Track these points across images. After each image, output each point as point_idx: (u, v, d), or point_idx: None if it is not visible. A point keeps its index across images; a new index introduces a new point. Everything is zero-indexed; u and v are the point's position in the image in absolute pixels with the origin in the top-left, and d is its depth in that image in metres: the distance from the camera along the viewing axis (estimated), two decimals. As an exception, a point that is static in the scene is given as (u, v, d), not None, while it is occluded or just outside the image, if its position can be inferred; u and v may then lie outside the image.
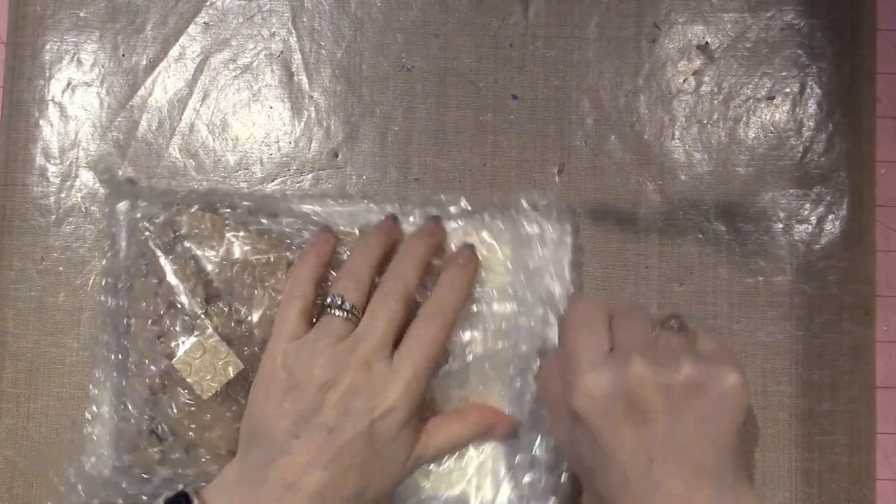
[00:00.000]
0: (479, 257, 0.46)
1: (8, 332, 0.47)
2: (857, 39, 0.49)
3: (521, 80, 0.49)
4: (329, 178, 0.48)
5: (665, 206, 0.48)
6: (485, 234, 0.46)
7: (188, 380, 0.44)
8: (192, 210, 0.45)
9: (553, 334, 0.45)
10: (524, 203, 0.47)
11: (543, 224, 0.46)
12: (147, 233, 0.45)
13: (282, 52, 0.49)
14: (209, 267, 0.45)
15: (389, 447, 0.40)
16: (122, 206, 0.46)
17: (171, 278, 0.45)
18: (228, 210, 0.46)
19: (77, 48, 0.49)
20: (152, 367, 0.45)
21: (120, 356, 0.45)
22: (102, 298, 0.46)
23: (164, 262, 0.45)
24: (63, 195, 0.48)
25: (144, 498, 0.44)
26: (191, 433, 0.45)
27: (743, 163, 0.48)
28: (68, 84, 0.49)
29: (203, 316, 0.44)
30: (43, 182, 0.48)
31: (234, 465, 0.41)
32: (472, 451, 0.45)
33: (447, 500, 0.45)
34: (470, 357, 0.45)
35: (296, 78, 0.49)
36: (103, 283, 0.46)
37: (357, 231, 0.46)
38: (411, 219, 0.47)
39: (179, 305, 0.44)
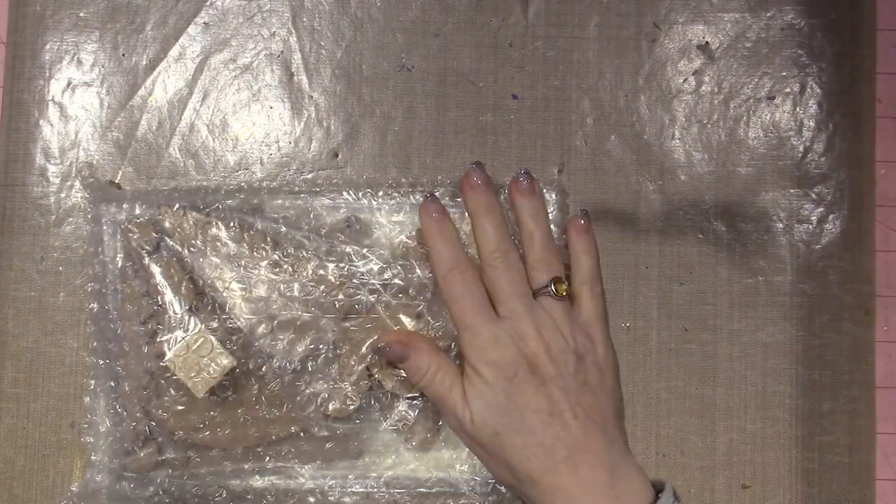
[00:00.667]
0: (467, 237, 0.46)
1: (8, 332, 0.47)
2: (857, 39, 0.49)
3: (521, 80, 0.49)
4: (329, 178, 0.48)
5: (665, 206, 0.48)
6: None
7: (180, 379, 0.44)
8: (175, 209, 0.45)
9: None
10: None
11: None
12: (131, 234, 0.45)
13: (282, 52, 0.49)
14: (194, 265, 0.45)
15: None
16: (106, 209, 0.46)
17: (157, 278, 0.44)
18: (211, 208, 0.46)
19: (77, 48, 0.49)
20: (143, 369, 0.44)
21: (110, 361, 0.45)
22: (90, 304, 0.45)
23: (149, 263, 0.45)
24: (63, 195, 0.48)
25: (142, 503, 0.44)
26: (182, 433, 0.44)
27: (743, 163, 0.48)
28: (68, 84, 0.48)
29: (190, 314, 0.44)
30: (43, 182, 0.48)
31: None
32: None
33: (438, 479, 0.45)
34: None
35: (296, 78, 0.49)
36: (89, 288, 0.45)
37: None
38: (399, 216, 0.46)
39: (166, 305, 0.44)
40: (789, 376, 0.47)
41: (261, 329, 0.45)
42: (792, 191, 0.48)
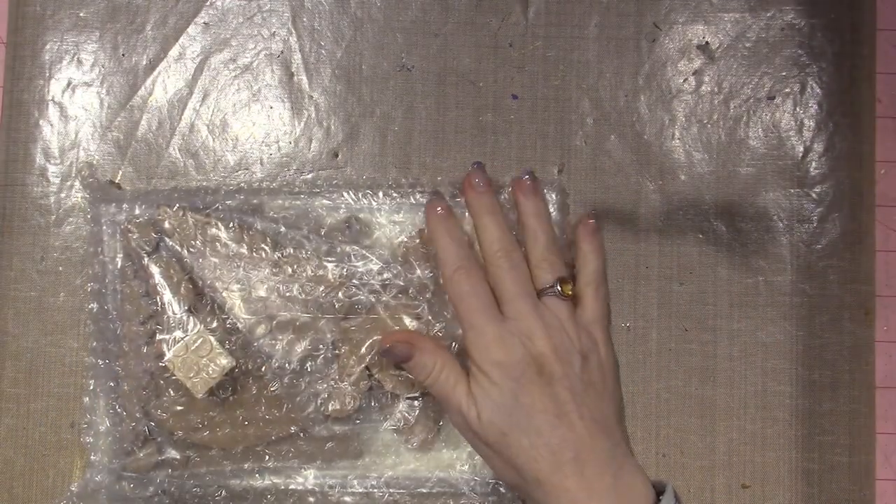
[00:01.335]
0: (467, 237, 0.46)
1: (8, 332, 0.47)
2: (857, 39, 0.48)
3: (521, 80, 0.48)
4: (329, 178, 0.48)
5: (665, 206, 0.48)
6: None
7: (180, 379, 0.43)
8: (175, 209, 0.45)
9: None
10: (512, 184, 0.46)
11: None
12: (130, 234, 0.45)
13: (282, 52, 0.48)
14: (193, 265, 0.45)
15: None
16: (106, 209, 0.45)
17: (156, 279, 0.44)
18: (210, 208, 0.45)
19: (77, 48, 0.48)
20: (142, 370, 0.44)
21: (109, 361, 0.45)
22: (90, 304, 0.45)
23: (149, 263, 0.44)
24: (63, 195, 0.48)
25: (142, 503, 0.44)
26: (181, 433, 0.44)
27: (743, 163, 0.48)
28: (68, 84, 0.48)
29: (189, 314, 0.44)
30: (43, 182, 0.48)
31: None
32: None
33: (438, 480, 0.45)
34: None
35: (296, 78, 0.48)
36: (89, 288, 0.45)
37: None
38: (399, 216, 0.46)
39: (166, 305, 0.44)
40: (789, 376, 0.47)
41: (260, 329, 0.44)
42: (792, 191, 0.48)
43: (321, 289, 0.45)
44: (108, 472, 0.44)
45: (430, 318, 0.45)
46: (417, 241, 0.46)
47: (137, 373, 0.44)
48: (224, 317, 0.44)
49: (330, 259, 0.45)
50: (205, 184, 0.47)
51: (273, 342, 0.44)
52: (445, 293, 0.43)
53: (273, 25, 0.48)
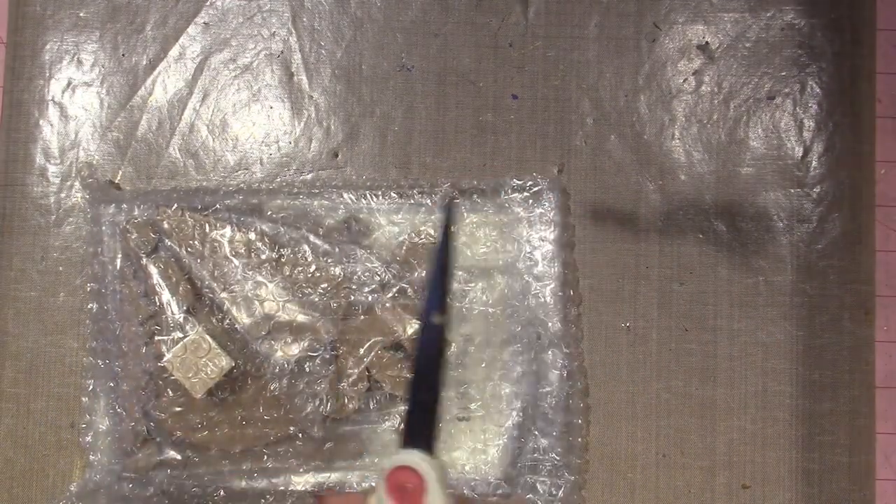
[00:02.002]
0: (466, 237, 0.45)
1: (8, 332, 0.47)
2: (857, 39, 0.48)
3: (521, 80, 0.48)
4: (329, 177, 0.47)
5: (665, 206, 0.47)
6: (473, 217, 0.46)
7: (179, 379, 0.43)
8: (174, 210, 0.45)
9: (543, 313, 0.45)
10: (513, 184, 0.46)
11: (530, 205, 0.46)
12: (129, 235, 0.44)
13: (282, 52, 0.48)
14: (192, 266, 0.44)
15: None
16: (106, 209, 0.45)
17: (155, 279, 0.44)
18: (210, 209, 0.45)
19: (77, 48, 0.48)
20: (141, 370, 0.44)
21: (108, 361, 0.44)
22: (90, 304, 0.45)
23: (147, 264, 0.44)
24: (63, 195, 0.47)
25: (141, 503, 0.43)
26: (180, 433, 0.44)
27: (743, 162, 0.48)
28: (68, 84, 0.48)
29: (188, 315, 0.44)
30: (43, 182, 0.47)
31: None
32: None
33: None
34: (472, 349, 0.45)
35: (296, 78, 0.48)
36: (89, 288, 0.45)
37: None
38: (399, 216, 0.46)
39: (164, 306, 0.44)
40: (789, 376, 0.47)
41: (259, 330, 0.44)
42: (792, 190, 0.47)
43: (320, 289, 0.44)
44: (107, 472, 0.44)
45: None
46: (416, 240, 0.45)
47: (136, 373, 0.44)
48: (223, 317, 0.44)
49: (329, 259, 0.45)
50: (204, 184, 0.47)
51: (272, 343, 0.44)
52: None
53: (273, 25, 0.48)
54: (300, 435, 0.45)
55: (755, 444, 0.46)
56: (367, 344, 0.44)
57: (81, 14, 0.48)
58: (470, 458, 0.45)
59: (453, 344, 0.44)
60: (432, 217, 0.46)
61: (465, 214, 0.45)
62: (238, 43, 0.48)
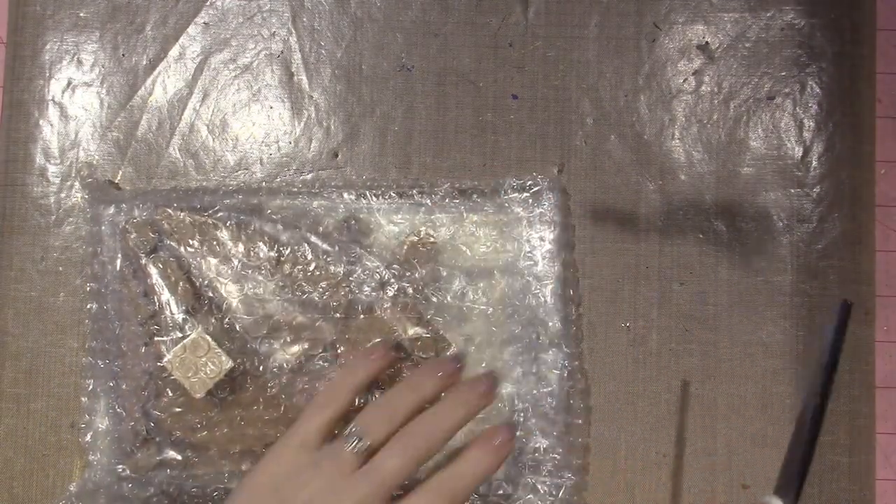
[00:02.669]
0: (466, 237, 0.45)
1: (8, 332, 0.46)
2: (857, 39, 0.48)
3: (521, 80, 0.48)
4: (329, 178, 0.47)
5: (665, 206, 0.47)
6: (473, 217, 0.45)
7: (178, 379, 0.43)
8: (172, 209, 0.45)
9: (543, 313, 0.44)
10: (513, 184, 0.46)
11: (530, 205, 0.45)
12: (128, 234, 0.44)
13: (282, 52, 0.48)
14: (192, 266, 0.44)
15: None
16: (105, 209, 0.45)
17: (155, 279, 0.44)
18: (210, 209, 0.45)
19: (77, 48, 0.48)
20: (141, 370, 0.44)
21: (108, 361, 0.44)
22: (89, 305, 0.44)
23: (147, 263, 0.44)
24: (63, 195, 0.47)
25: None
26: (180, 433, 0.44)
27: (743, 162, 0.47)
28: (68, 84, 0.47)
29: (188, 315, 0.43)
30: (43, 182, 0.47)
31: None
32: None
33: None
34: (472, 349, 0.44)
35: (296, 78, 0.48)
36: (88, 288, 0.45)
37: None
38: (399, 216, 0.46)
39: (164, 305, 0.43)
40: (789, 376, 0.46)
41: (259, 329, 0.44)
42: (792, 190, 0.47)
43: (319, 288, 0.44)
44: (107, 472, 0.43)
45: (428, 317, 0.44)
46: (416, 239, 0.45)
47: (136, 373, 0.44)
48: (222, 317, 0.44)
49: (329, 259, 0.44)
50: (204, 184, 0.47)
51: (271, 342, 0.44)
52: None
53: (273, 25, 0.48)
54: None
55: (755, 444, 0.46)
56: (368, 344, 0.44)
57: (81, 14, 0.48)
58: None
59: (453, 344, 0.43)
60: (432, 217, 0.45)
61: (465, 214, 0.45)
62: (238, 43, 0.48)
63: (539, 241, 0.45)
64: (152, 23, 0.48)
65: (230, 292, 0.44)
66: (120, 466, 0.43)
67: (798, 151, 0.47)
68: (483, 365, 0.45)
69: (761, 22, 0.48)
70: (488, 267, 0.45)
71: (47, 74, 0.47)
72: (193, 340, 0.43)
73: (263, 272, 0.44)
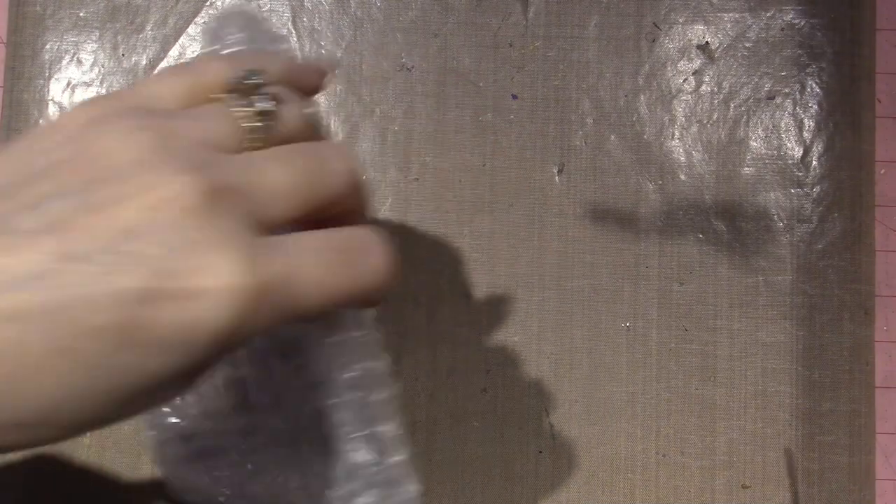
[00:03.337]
0: None
1: (7, 332, 0.46)
2: (857, 39, 0.47)
3: (521, 80, 0.47)
4: (329, 178, 0.47)
5: (665, 206, 0.47)
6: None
7: None
8: None
9: None
10: None
11: None
12: None
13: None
14: None
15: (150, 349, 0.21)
16: None
17: None
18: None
19: (77, 48, 0.47)
20: None
21: None
22: None
23: None
24: (63, 195, 0.47)
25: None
26: None
27: (743, 162, 0.47)
28: (68, 84, 0.47)
29: None
30: (43, 182, 0.47)
31: None
32: None
33: None
34: None
35: (296, 78, 0.47)
36: None
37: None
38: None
39: None
40: (789, 376, 0.46)
41: None
42: (792, 190, 0.47)
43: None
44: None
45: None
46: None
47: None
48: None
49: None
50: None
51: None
52: None
53: (273, 25, 0.48)
54: None
55: (755, 444, 0.46)
56: None
57: (81, 14, 0.47)
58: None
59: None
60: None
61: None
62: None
63: None
64: (152, 23, 0.47)
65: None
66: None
67: (798, 151, 0.47)
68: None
69: (761, 22, 0.47)
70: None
71: (47, 74, 0.47)
72: None
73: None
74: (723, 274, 0.46)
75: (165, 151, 0.21)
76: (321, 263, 0.22)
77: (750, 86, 0.47)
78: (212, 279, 0.20)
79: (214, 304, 0.20)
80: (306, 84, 0.28)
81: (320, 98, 0.47)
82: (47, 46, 0.47)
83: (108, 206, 0.20)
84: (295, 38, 0.47)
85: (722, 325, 0.46)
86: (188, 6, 0.47)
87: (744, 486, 0.46)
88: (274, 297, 0.21)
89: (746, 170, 0.47)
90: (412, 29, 0.47)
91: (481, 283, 0.46)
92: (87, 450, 0.45)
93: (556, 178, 0.47)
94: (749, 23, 0.47)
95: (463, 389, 0.45)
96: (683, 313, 0.46)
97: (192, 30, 0.47)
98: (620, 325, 0.46)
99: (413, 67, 0.47)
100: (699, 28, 0.47)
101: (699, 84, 0.47)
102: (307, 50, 0.47)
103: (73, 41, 0.47)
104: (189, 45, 0.47)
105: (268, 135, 0.24)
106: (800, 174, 0.47)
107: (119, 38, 0.47)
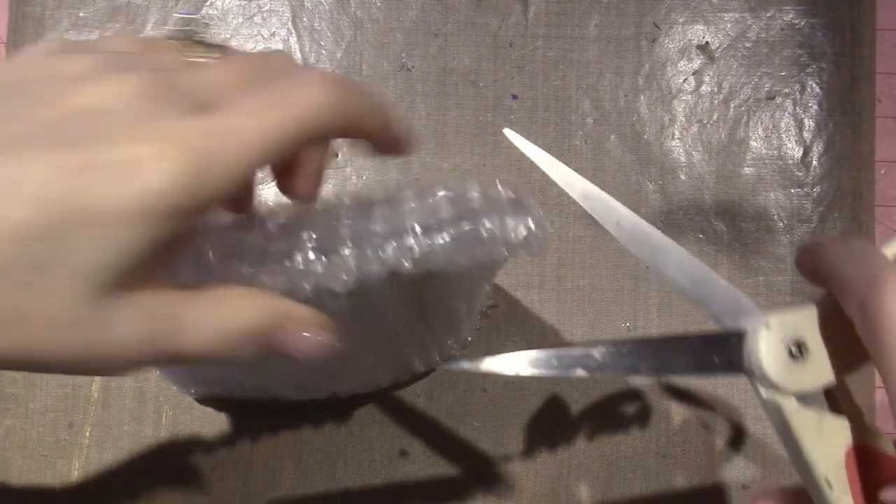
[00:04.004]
0: None
1: (7, 332, 0.46)
2: (857, 39, 0.47)
3: (521, 80, 0.47)
4: (329, 178, 0.47)
5: (665, 206, 0.47)
6: None
7: None
8: None
9: None
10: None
11: None
12: None
13: (282, 52, 0.47)
14: None
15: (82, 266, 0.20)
16: None
17: None
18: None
19: (77, 48, 0.47)
20: None
21: None
22: None
23: None
24: (62, 195, 0.46)
25: None
26: None
27: (743, 162, 0.47)
28: (68, 84, 0.47)
29: None
30: (42, 182, 0.46)
31: None
32: None
33: None
34: None
35: (296, 78, 0.47)
36: None
37: None
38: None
39: None
40: (789, 376, 0.46)
41: None
42: (792, 191, 0.47)
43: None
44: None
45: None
46: None
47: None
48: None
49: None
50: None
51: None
52: None
53: (273, 25, 0.47)
54: None
55: (755, 444, 0.46)
56: None
57: (81, 14, 0.47)
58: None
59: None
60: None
61: None
62: (238, 43, 0.47)
63: None
64: (152, 23, 0.47)
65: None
66: None
67: (798, 151, 0.47)
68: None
69: (761, 22, 0.47)
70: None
71: (47, 74, 0.47)
72: None
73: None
74: (723, 274, 0.46)
75: (115, 63, 0.22)
76: (252, 110, 0.22)
77: (750, 86, 0.47)
78: (153, 141, 0.20)
79: (157, 166, 0.20)
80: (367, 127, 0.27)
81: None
82: (47, 46, 0.47)
83: (53, 99, 0.21)
84: (295, 38, 0.47)
85: (722, 325, 0.46)
86: (188, 6, 0.47)
87: (743, 486, 0.45)
88: (217, 156, 0.21)
89: (746, 170, 0.47)
90: (412, 29, 0.47)
91: (481, 283, 0.46)
92: (87, 450, 0.44)
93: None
94: (749, 23, 0.47)
95: (463, 389, 0.45)
96: (683, 313, 0.46)
97: (191, 30, 0.47)
98: (620, 325, 0.46)
99: (413, 67, 0.47)
100: (699, 28, 0.47)
101: (699, 84, 0.47)
102: (307, 50, 0.47)
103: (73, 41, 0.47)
104: (189, 45, 0.47)
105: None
106: (800, 174, 0.46)
107: (119, 37, 0.47)
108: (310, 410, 0.44)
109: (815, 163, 0.46)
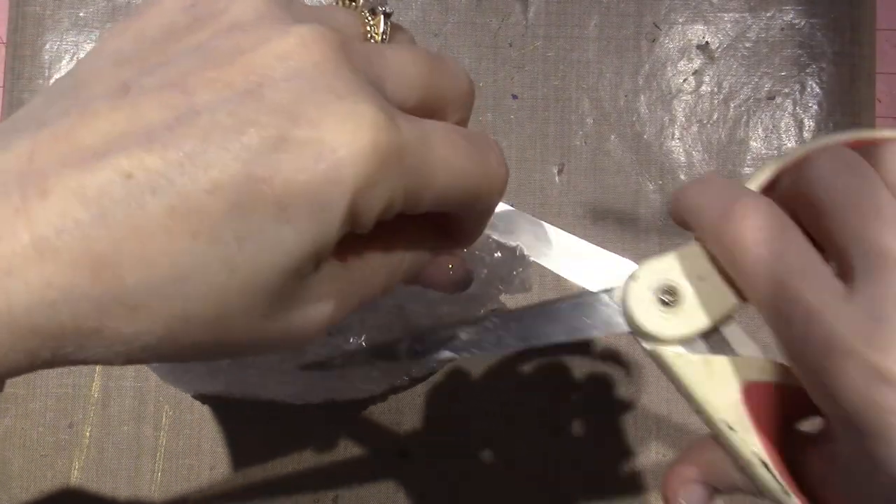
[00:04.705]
0: None
1: (7, 332, 0.45)
2: (857, 39, 0.47)
3: (521, 80, 0.47)
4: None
5: (665, 206, 0.46)
6: None
7: None
8: None
9: None
10: None
11: None
12: None
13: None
14: None
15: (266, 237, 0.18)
16: None
17: None
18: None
19: (77, 48, 0.47)
20: None
21: None
22: None
23: None
24: (62, 195, 0.46)
25: None
26: None
27: (743, 162, 0.46)
28: (68, 84, 0.47)
29: None
30: (42, 182, 0.46)
31: None
32: None
33: None
34: None
35: (296, 78, 0.47)
36: None
37: None
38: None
39: None
40: (789, 376, 0.46)
41: None
42: (792, 191, 0.46)
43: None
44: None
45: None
46: None
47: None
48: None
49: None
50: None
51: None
52: None
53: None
54: None
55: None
56: None
57: (81, 14, 0.47)
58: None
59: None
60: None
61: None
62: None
63: None
64: (152, 23, 0.47)
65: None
66: None
67: (798, 151, 0.46)
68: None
69: (761, 22, 0.47)
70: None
71: (47, 74, 0.47)
72: None
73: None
74: (723, 274, 0.46)
75: (290, 8, 0.20)
76: (449, 143, 0.20)
77: (750, 86, 0.47)
78: (351, 126, 0.17)
79: (350, 154, 0.17)
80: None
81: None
82: (47, 46, 0.47)
83: (234, 57, 0.18)
84: (295, 38, 0.47)
85: (722, 325, 0.46)
86: None
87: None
88: (409, 161, 0.18)
89: (746, 170, 0.46)
90: (412, 29, 0.47)
91: (481, 283, 0.45)
92: (87, 450, 0.44)
93: (556, 177, 0.46)
94: (749, 23, 0.47)
95: (463, 389, 0.45)
96: (683, 313, 0.46)
97: (192, 30, 0.47)
98: (620, 325, 0.46)
99: (413, 67, 0.47)
100: (699, 28, 0.47)
101: (699, 84, 0.47)
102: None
103: (73, 41, 0.47)
104: (189, 45, 0.47)
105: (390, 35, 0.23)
106: (800, 174, 0.46)
107: (119, 37, 0.47)
108: (310, 410, 0.44)
109: (815, 163, 0.46)
